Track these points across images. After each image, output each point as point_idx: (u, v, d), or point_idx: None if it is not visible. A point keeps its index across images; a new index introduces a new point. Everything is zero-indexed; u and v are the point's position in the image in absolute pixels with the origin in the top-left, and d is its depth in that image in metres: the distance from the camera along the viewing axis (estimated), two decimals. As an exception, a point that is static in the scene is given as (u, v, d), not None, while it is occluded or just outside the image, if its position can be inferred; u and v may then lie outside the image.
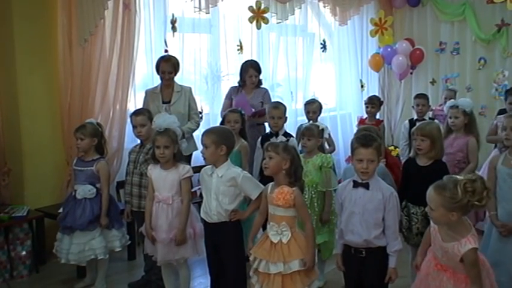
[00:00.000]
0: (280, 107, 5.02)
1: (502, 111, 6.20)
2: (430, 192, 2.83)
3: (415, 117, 6.17)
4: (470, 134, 4.79)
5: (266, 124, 5.68)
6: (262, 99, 5.80)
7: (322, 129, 4.48)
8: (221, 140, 3.68)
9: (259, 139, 5.05)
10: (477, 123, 5.01)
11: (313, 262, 3.35)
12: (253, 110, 5.58)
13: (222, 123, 4.75)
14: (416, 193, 3.86)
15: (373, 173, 3.23)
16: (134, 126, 4.40)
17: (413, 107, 6.26)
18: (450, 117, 4.86)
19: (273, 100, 5.81)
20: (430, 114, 6.47)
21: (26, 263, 4.83)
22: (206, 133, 3.72)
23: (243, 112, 4.87)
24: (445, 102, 6.39)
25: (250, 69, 5.81)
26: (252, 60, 6.06)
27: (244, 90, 5.88)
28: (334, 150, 5.67)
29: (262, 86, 5.96)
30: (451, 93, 7.10)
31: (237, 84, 5.97)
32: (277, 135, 4.86)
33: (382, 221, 3.23)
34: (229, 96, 5.92)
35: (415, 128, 4.14)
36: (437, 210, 2.79)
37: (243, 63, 5.92)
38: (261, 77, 5.91)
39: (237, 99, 5.73)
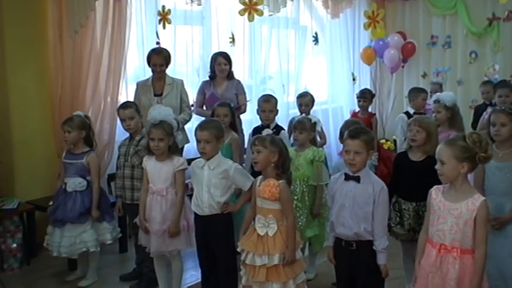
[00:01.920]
0: (271, 100, 5.01)
1: (480, 107, 6.32)
2: (441, 147, 2.98)
3: (411, 110, 6.18)
4: (453, 128, 4.80)
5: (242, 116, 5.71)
6: (236, 91, 5.70)
7: (315, 123, 4.48)
8: (221, 133, 3.73)
9: (250, 132, 5.04)
10: (461, 116, 5.02)
11: (293, 256, 3.35)
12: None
13: (212, 116, 4.73)
14: (408, 188, 3.89)
15: (361, 165, 3.22)
16: (123, 120, 4.38)
17: (412, 100, 6.24)
18: (433, 112, 4.89)
19: (263, 93, 5.77)
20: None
21: (17, 256, 4.83)
22: (205, 128, 3.68)
23: (232, 105, 4.85)
24: (431, 96, 6.43)
25: (219, 57, 5.68)
26: (221, 51, 5.96)
27: (215, 82, 5.74)
28: (325, 143, 5.66)
29: (234, 78, 5.83)
30: (436, 87, 7.10)
31: (207, 78, 5.84)
32: (268, 128, 4.83)
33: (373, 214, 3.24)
34: (201, 91, 5.78)
35: (412, 119, 4.12)
36: (449, 163, 2.92)
37: (212, 54, 5.82)
38: (240, 68, 5.79)
39: (208, 97, 5.66)
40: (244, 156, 4.97)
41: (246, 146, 5.01)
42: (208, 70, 5.80)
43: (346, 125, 4.14)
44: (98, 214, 4.38)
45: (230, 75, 5.76)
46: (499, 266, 3.52)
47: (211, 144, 3.65)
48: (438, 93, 5.33)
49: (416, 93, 6.17)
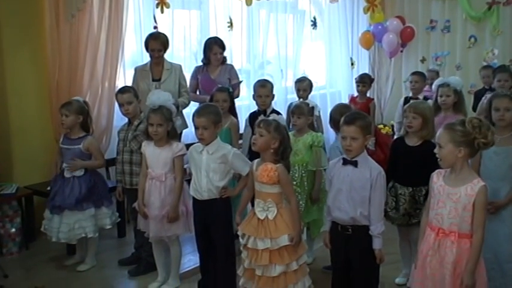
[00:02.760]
0: (267, 85, 4.98)
1: (479, 92, 6.34)
2: (440, 131, 2.98)
3: (410, 94, 6.20)
4: (459, 113, 4.80)
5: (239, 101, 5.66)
6: (229, 76, 5.67)
7: (312, 107, 4.47)
8: (218, 118, 3.71)
9: (247, 117, 5.03)
10: (465, 101, 5.02)
11: (300, 237, 3.37)
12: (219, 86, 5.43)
13: (210, 101, 4.71)
14: (404, 173, 3.89)
15: (358, 150, 3.22)
16: (121, 105, 4.37)
17: (411, 82, 6.28)
18: (441, 96, 4.84)
19: (260, 78, 5.74)
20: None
21: (16, 240, 4.84)
22: (203, 115, 3.65)
23: (231, 90, 4.84)
24: (428, 84, 6.46)
25: (215, 47, 5.63)
26: (215, 37, 5.91)
27: (209, 68, 5.70)
28: (322, 131, 5.63)
29: (227, 63, 5.80)
30: (433, 74, 7.09)
31: (201, 64, 5.79)
32: (265, 113, 4.79)
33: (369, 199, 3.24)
34: (194, 76, 5.76)
35: (407, 105, 4.10)
36: (445, 147, 2.92)
37: (207, 40, 5.76)
38: (225, 54, 5.74)
39: (202, 80, 5.63)
40: (240, 141, 4.97)
41: (241, 131, 4.99)
42: (202, 56, 5.76)
43: (336, 109, 4.14)
44: (76, 168, 4.36)
45: (223, 60, 5.74)
46: (494, 250, 3.54)
47: (210, 130, 3.64)
48: (445, 78, 5.30)
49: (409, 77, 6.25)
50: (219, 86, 4.96)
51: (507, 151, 3.61)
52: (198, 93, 5.72)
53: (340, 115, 3.89)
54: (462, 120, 2.95)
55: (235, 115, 4.78)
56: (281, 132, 3.40)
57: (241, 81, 5.80)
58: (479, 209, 2.89)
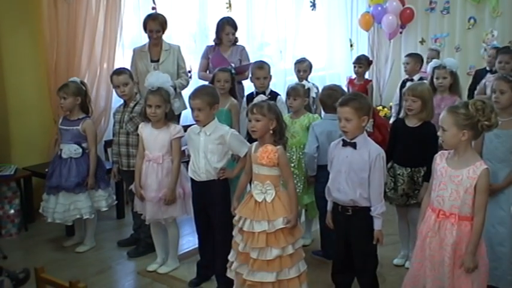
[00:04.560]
0: (264, 67, 4.96)
1: (480, 72, 6.30)
2: (443, 114, 2.95)
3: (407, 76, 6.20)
4: (455, 94, 4.80)
5: (244, 82, 5.67)
6: (240, 57, 5.67)
7: (308, 89, 4.45)
8: (214, 99, 3.69)
9: (245, 99, 5.02)
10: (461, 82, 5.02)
11: (296, 220, 3.37)
12: (233, 65, 5.42)
13: (211, 82, 4.70)
14: (403, 154, 3.91)
15: (355, 131, 3.23)
16: (116, 86, 4.35)
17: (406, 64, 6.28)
18: (437, 78, 4.84)
19: (259, 59, 5.71)
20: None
21: (15, 222, 4.85)
22: (198, 96, 3.64)
23: (233, 71, 4.83)
24: (428, 63, 6.41)
25: (227, 27, 5.64)
26: (228, 17, 5.88)
27: (220, 48, 5.71)
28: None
29: (238, 44, 5.81)
30: (434, 53, 7.05)
31: (213, 43, 5.80)
32: (264, 94, 4.77)
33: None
34: (205, 56, 5.77)
35: (406, 88, 4.10)
36: (449, 130, 2.90)
37: (219, 21, 5.75)
38: (237, 34, 5.75)
39: (213, 57, 5.60)
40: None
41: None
42: (215, 36, 5.74)
43: (324, 93, 4.12)
44: (93, 182, 4.39)
45: (235, 41, 5.74)
46: (487, 233, 3.55)
47: (205, 111, 3.62)
48: (436, 60, 5.28)
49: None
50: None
51: (507, 134, 3.61)
52: (208, 72, 5.69)
53: (329, 97, 3.92)
54: (465, 103, 2.93)
55: (235, 96, 4.76)
56: (275, 112, 3.38)
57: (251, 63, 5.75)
58: (480, 192, 2.88)
